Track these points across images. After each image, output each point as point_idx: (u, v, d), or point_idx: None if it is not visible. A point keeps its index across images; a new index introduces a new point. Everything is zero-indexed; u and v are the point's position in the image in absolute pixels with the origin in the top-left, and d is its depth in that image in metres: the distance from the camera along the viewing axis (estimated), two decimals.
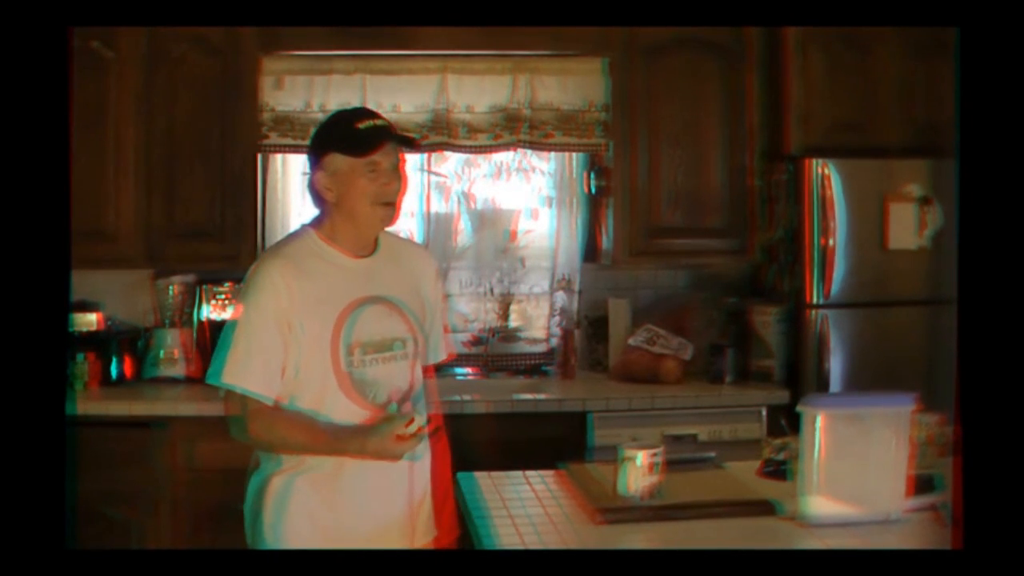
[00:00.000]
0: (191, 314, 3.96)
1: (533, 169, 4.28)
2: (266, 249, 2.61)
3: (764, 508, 2.24)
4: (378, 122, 2.29)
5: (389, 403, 2.30)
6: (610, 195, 4.02)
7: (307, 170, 2.36)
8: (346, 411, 2.25)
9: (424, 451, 2.41)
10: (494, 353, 4.20)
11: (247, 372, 2.22)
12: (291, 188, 4.14)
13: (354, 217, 2.29)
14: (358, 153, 2.24)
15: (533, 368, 4.18)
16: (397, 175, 2.30)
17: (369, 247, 2.36)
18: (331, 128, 2.34)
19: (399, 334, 2.33)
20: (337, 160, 2.26)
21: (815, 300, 3.80)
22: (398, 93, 3.92)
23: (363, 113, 2.37)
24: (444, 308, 2.73)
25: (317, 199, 2.33)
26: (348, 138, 2.26)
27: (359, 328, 2.26)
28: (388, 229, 2.41)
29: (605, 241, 4.12)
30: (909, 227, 3.80)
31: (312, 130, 3.89)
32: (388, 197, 2.28)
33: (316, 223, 2.35)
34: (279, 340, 2.22)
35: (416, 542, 2.37)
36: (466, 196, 4.25)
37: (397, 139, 2.31)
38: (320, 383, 2.24)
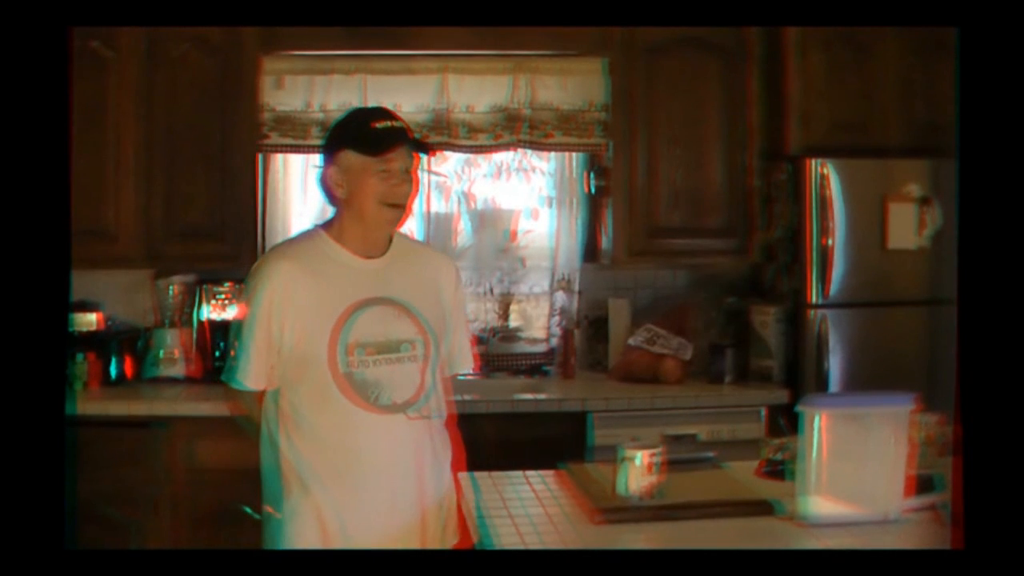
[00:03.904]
0: (191, 314, 3.96)
1: (533, 169, 4.28)
2: (272, 246, 2.62)
3: (763, 508, 2.24)
4: (395, 123, 2.29)
5: (394, 406, 2.30)
6: (610, 195, 4.02)
7: (319, 165, 2.36)
8: (342, 411, 2.25)
9: (445, 456, 2.41)
10: (494, 353, 4.20)
11: (246, 371, 2.27)
12: (291, 188, 4.14)
13: (362, 216, 2.29)
14: (371, 152, 2.24)
15: (533, 368, 4.18)
16: (408, 178, 2.29)
17: (379, 249, 2.35)
18: (347, 125, 2.34)
19: (406, 335, 2.31)
20: (350, 157, 2.26)
21: (815, 300, 3.81)
22: (398, 93, 3.92)
23: (381, 113, 2.35)
24: (466, 317, 2.71)
25: (328, 196, 2.34)
26: (363, 136, 2.26)
27: (359, 328, 2.26)
28: (404, 232, 2.42)
29: (605, 241, 4.12)
30: (909, 227, 3.80)
31: (313, 130, 3.92)
32: (396, 199, 2.28)
33: (327, 224, 2.35)
34: (266, 338, 2.25)
35: (442, 546, 2.37)
36: (466, 196, 4.25)
37: (412, 142, 2.30)
38: (317, 382, 2.25)
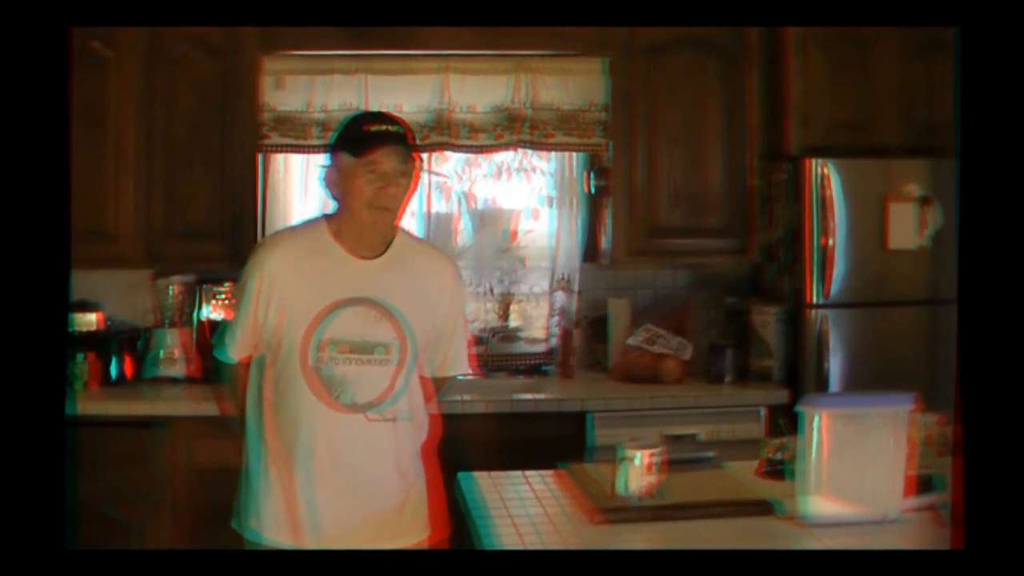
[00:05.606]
0: (191, 314, 3.96)
1: (533, 169, 4.28)
2: (274, 232, 2.64)
3: (763, 508, 2.24)
4: (388, 127, 2.29)
5: (355, 405, 2.31)
6: (610, 195, 4.02)
7: (324, 164, 2.39)
8: (302, 400, 2.29)
9: (411, 456, 2.41)
10: (494, 353, 4.19)
11: (232, 346, 2.38)
12: (291, 188, 4.14)
13: (352, 216, 2.31)
14: (356, 153, 2.26)
15: (533, 368, 4.18)
16: (398, 181, 2.28)
17: (375, 249, 2.35)
18: (345, 127, 2.37)
19: (383, 339, 2.31)
20: (343, 159, 2.29)
21: (815, 300, 3.81)
22: (398, 93, 3.92)
23: (376, 117, 2.38)
24: (465, 321, 2.67)
25: (329, 194, 2.37)
26: (352, 138, 2.29)
27: (336, 326, 2.28)
28: (411, 231, 2.44)
29: (605, 241, 4.12)
30: (909, 227, 3.80)
31: (313, 130, 3.92)
32: (382, 202, 2.27)
33: (331, 216, 2.38)
34: (252, 321, 2.31)
35: (406, 541, 2.38)
36: (466, 196, 4.25)
37: (403, 145, 2.28)
38: (286, 368, 2.29)
